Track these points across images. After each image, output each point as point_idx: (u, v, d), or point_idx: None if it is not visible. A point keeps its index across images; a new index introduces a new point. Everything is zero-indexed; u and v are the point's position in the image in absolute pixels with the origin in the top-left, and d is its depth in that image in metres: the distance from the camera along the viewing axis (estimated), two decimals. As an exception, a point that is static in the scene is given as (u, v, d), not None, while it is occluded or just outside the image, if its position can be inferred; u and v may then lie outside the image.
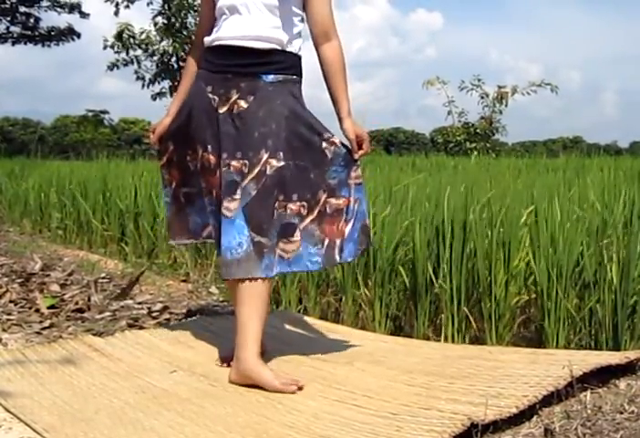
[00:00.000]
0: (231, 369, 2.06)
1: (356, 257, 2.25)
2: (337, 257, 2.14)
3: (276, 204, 2.04)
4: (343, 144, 2.13)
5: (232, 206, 2.02)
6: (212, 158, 2.11)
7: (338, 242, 2.12)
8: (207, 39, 2.16)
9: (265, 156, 2.02)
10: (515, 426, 1.67)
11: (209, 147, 2.11)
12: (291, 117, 2.07)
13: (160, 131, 2.27)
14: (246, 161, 2.02)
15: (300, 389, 1.94)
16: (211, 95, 2.10)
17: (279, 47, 2.08)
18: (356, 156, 2.14)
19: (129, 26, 17.45)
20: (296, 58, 2.14)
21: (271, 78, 2.07)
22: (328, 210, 2.11)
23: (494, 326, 2.47)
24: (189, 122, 2.17)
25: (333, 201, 2.11)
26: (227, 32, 2.10)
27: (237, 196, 2.01)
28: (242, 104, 2.06)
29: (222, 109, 2.08)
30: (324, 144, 2.10)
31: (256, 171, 2.02)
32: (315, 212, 2.10)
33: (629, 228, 2.38)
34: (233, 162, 2.03)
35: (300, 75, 2.15)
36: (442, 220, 2.65)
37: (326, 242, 2.11)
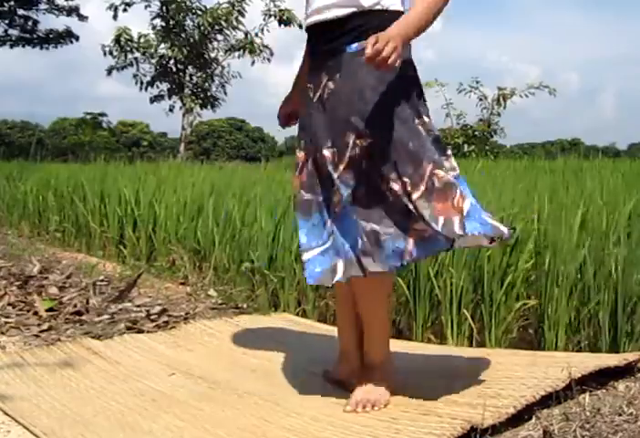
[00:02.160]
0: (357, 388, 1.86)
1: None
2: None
3: (395, 186, 1.78)
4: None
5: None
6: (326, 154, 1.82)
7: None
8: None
9: (352, 137, 1.78)
10: (514, 428, 1.67)
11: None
12: (378, 87, 1.78)
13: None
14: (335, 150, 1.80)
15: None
16: (309, 84, 1.90)
17: (357, 10, 1.79)
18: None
19: (127, 30, 17.48)
20: (387, 15, 1.79)
21: (354, 46, 1.80)
22: None
23: (494, 328, 2.47)
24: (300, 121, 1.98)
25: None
26: (310, 10, 1.89)
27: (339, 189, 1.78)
28: (331, 85, 1.83)
29: (315, 98, 1.87)
30: (416, 121, 1.81)
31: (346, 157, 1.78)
32: None
33: (629, 231, 2.38)
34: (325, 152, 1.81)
35: None
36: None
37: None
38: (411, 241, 1.75)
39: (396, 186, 1.75)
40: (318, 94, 1.86)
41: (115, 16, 17.40)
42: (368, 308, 1.88)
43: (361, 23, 1.80)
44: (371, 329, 1.90)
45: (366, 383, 1.85)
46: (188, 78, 18.66)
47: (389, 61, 1.62)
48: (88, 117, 25.14)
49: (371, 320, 1.89)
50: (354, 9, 1.79)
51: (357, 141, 1.76)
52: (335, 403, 1.85)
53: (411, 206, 1.74)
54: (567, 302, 2.36)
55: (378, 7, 1.80)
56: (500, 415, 1.65)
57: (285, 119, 2.13)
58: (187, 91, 18.54)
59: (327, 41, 1.84)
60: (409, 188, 1.75)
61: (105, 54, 17.43)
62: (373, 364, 1.89)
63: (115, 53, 17.46)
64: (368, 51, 1.61)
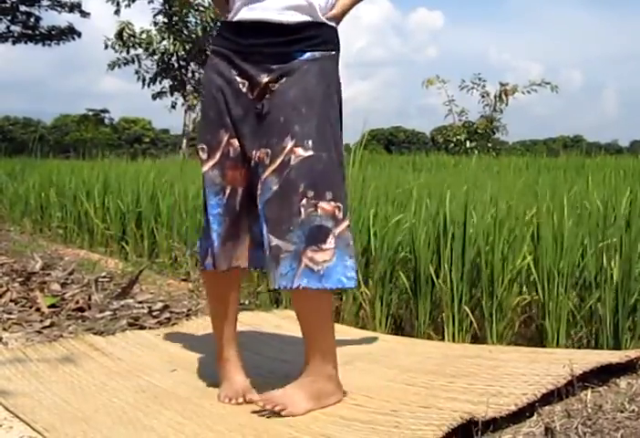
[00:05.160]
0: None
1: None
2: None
3: (303, 202, 1.71)
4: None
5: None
6: (238, 146, 1.81)
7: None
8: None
9: (290, 144, 1.73)
10: (515, 425, 1.67)
11: (236, 134, 1.82)
12: (326, 102, 1.79)
13: None
14: (268, 150, 1.75)
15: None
16: (239, 78, 1.80)
17: (312, 20, 1.78)
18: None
19: (130, 25, 17.48)
20: (333, 31, 1.84)
21: (307, 56, 1.78)
22: None
23: (495, 325, 2.47)
24: (215, 104, 1.83)
25: None
26: (246, 4, 1.79)
27: (258, 192, 1.76)
28: (273, 87, 1.78)
29: (253, 96, 1.80)
30: (341, 147, 1.83)
31: (278, 161, 1.73)
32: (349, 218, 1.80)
33: (630, 227, 2.38)
34: (258, 153, 1.77)
35: (339, 49, 1.85)
36: (444, 219, 2.64)
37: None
38: (304, 267, 1.71)
39: (326, 206, 1.72)
40: (256, 92, 1.79)
41: (117, 11, 17.39)
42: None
43: (315, 34, 1.79)
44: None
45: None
46: (190, 74, 18.66)
47: None
48: (91, 113, 25.17)
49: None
50: (309, 18, 1.78)
51: (294, 150, 1.72)
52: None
53: (335, 233, 1.72)
54: (568, 298, 2.36)
55: (332, 23, 1.83)
56: (502, 410, 1.65)
57: None
58: (189, 88, 18.55)
59: (272, 44, 1.78)
60: (340, 214, 1.75)
61: (106, 47, 17.43)
62: None
63: (117, 48, 17.47)
64: None
